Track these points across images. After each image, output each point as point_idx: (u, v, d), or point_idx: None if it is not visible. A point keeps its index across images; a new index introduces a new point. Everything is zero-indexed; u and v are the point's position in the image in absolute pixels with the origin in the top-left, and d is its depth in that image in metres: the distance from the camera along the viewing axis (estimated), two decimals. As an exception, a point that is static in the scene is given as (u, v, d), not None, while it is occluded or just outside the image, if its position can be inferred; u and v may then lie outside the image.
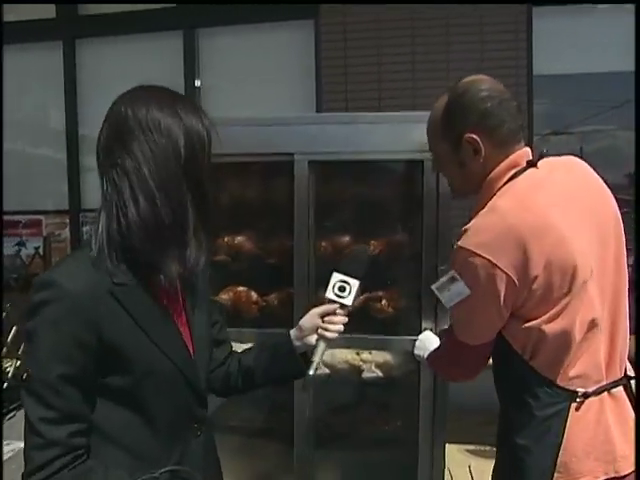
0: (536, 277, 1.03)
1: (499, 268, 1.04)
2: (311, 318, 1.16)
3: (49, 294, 0.82)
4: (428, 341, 1.64)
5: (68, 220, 3.80)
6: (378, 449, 2.15)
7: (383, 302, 1.93)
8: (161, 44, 3.68)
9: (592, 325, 1.07)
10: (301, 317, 1.18)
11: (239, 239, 2.00)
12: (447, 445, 1.87)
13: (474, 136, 1.12)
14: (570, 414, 1.06)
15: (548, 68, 3.32)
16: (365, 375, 1.94)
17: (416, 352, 1.66)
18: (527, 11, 3.28)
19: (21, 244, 3.61)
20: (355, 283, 1.15)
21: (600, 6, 3.40)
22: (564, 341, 1.07)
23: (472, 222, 1.10)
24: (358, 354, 1.97)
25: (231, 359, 1.18)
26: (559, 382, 1.08)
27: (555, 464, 1.06)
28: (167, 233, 0.88)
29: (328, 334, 1.13)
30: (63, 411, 0.83)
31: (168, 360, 0.91)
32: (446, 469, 1.84)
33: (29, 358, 0.84)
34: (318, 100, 3.50)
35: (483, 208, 1.11)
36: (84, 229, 3.75)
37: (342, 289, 1.14)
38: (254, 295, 2.00)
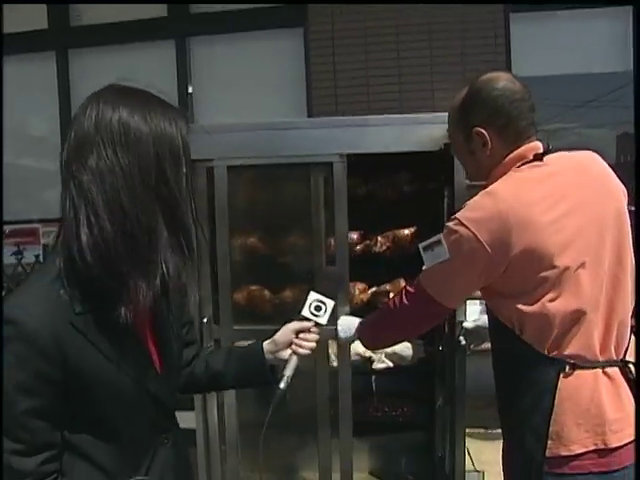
0: (513, 258, 1.15)
1: (480, 242, 1.16)
2: (285, 333, 1.18)
3: (10, 331, 0.80)
4: (349, 320, 1.65)
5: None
6: (395, 435, 2.28)
7: (390, 295, 2.05)
8: (154, 53, 3.76)
9: (579, 313, 1.15)
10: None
11: (252, 240, 2.10)
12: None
13: (483, 131, 1.24)
14: (560, 385, 1.15)
15: (519, 70, 3.51)
16: (376, 366, 2.06)
17: (341, 335, 1.63)
18: (504, 16, 3.46)
19: (18, 253, 3.63)
20: (331, 303, 1.22)
21: (560, 12, 3.60)
22: (544, 323, 1.16)
23: (472, 199, 1.24)
24: (369, 345, 2.09)
25: (197, 360, 1.17)
26: (548, 354, 1.17)
27: (548, 431, 1.15)
28: (128, 260, 0.82)
29: (301, 351, 1.17)
30: (32, 443, 0.83)
31: (135, 382, 0.89)
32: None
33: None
34: (309, 105, 3.62)
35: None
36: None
37: (318, 308, 1.21)
38: (267, 293, 2.10)
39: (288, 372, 1.15)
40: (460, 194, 1.78)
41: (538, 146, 1.27)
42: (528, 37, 3.53)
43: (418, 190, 2.08)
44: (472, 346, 1.80)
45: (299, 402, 1.96)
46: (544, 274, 1.15)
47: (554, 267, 1.15)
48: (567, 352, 1.17)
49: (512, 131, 1.24)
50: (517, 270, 1.17)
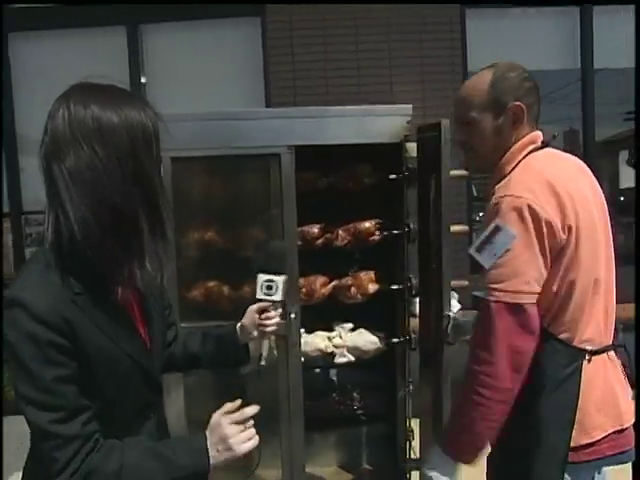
0: (570, 228, 1.14)
1: (543, 209, 1.12)
2: (249, 315, 1.25)
3: (19, 313, 0.85)
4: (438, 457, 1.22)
5: (10, 224, 3.65)
6: (358, 426, 2.28)
7: (352, 289, 2.04)
8: (104, 40, 3.60)
9: (597, 284, 1.19)
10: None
11: (209, 234, 2.04)
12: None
13: (521, 105, 1.25)
14: (583, 373, 1.16)
15: (474, 65, 3.55)
16: (338, 360, 2.05)
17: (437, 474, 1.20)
18: (460, 12, 3.50)
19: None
20: (280, 279, 1.24)
21: (513, 9, 3.67)
22: (579, 297, 1.16)
23: (507, 179, 1.20)
24: (330, 339, 2.07)
25: (176, 342, 1.22)
26: (575, 343, 1.17)
27: (573, 421, 1.15)
28: (114, 246, 0.88)
29: (267, 329, 1.23)
30: (68, 408, 0.87)
31: (129, 358, 0.94)
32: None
33: (19, 371, 0.86)
34: (267, 97, 3.56)
35: (504, 177, 1.23)
36: (28, 231, 3.61)
37: (269, 287, 1.24)
38: (226, 289, 2.05)
39: (264, 351, 1.26)
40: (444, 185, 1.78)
41: (540, 135, 1.31)
42: (483, 33, 3.59)
43: (379, 182, 2.07)
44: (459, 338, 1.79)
45: (260, 397, 1.94)
46: (568, 250, 1.16)
47: (580, 236, 1.16)
48: (585, 337, 1.19)
49: (535, 113, 1.29)
50: (570, 240, 1.16)
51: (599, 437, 1.17)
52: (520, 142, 1.27)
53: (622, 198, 4.37)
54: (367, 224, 2.02)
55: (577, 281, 1.16)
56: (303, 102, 3.37)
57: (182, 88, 3.58)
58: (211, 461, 0.93)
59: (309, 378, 2.16)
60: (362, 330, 2.08)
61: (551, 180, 1.17)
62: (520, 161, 1.26)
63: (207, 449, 0.93)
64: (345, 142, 1.89)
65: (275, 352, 1.92)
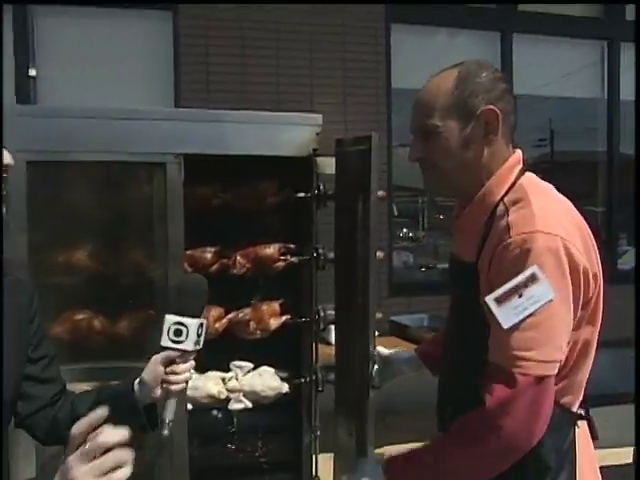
0: (595, 276, 0.95)
1: (579, 253, 0.91)
2: (151, 369, 1.01)
3: None
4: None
5: None
6: (261, 476, 2.00)
7: (251, 324, 1.77)
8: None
9: (594, 339, 1.02)
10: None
11: (79, 257, 1.69)
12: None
13: (496, 110, 1.00)
14: (577, 438, 1.01)
15: (397, 81, 3.43)
16: (232, 407, 1.76)
17: None
18: (385, 25, 3.36)
19: None
20: (192, 323, 0.99)
21: (438, 28, 3.61)
22: (590, 358, 0.99)
23: (527, 209, 0.93)
24: (224, 381, 1.78)
25: (62, 403, 1.03)
26: (574, 408, 1.01)
27: None
28: None
29: (173, 387, 1.00)
30: None
31: None
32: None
33: None
34: (177, 95, 3.23)
35: (496, 205, 0.99)
36: None
37: (178, 333, 0.99)
38: (98, 323, 1.70)
39: (168, 415, 1.00)
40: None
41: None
42: (407, 48, 3.47)
43: (285, 201, 1.81)
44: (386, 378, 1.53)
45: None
46: (591, 303, 0.98)
47: (597, 295, 0.98)
48: (581, 399, 1.02)
49: (512, 123, 1.04)
50: (595, 287, 0.97)
51: None
52: (511, 159, 1.04)
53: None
54: (270, 249, 1.75)
55: (592, 340, 0.98)
56: (217, 108, 3.08)
57: (77, 81, 3.18)
58: None
59: (202, 420, 1.88)
60: (264, 370, 1.81)
61: (573, 213, 0.97)
62: (513, 185, 1.01)
63: None
64: (243, 152, 1.63)
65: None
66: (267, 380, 1.76)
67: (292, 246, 1.81)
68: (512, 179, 1.02)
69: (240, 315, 1.76)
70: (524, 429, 0.90)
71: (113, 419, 0.98)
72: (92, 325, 1.68)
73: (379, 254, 1.78)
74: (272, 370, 1.79)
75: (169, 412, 1.00)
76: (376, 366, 1.53)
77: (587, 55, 3.85)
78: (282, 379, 1.81)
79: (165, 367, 1.01)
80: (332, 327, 1.86)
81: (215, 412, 2.00)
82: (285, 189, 1.81)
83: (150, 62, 3.33)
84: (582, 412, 1.01)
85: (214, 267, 1.74)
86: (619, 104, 3.86)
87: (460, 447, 0.94)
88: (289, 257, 1.80)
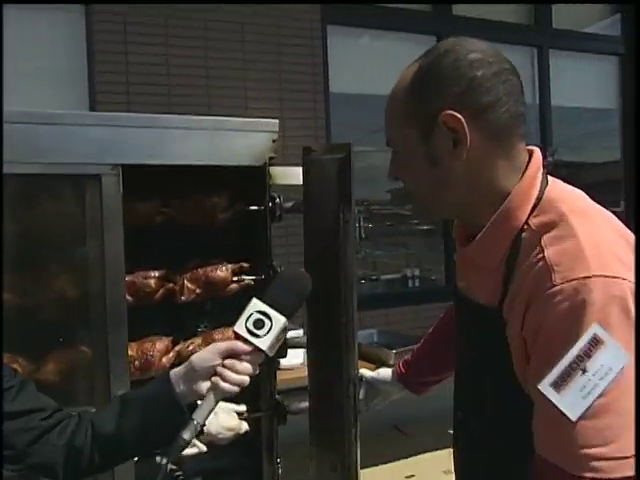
0: None
1: (631, 288, 0.68)
2: (209, 356, 0.85)
3: None
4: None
5: None
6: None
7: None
8: None
9: None
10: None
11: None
12: None
13: (455, 114, 0.76)
14: None
15: (336, 85, 3.35)
16: (185, 452, 1.54)
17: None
18: (322, 26, 3.26)
19: None
20: (280, 320, 0.85)
21: (374, 31, 3.58)
22: None
23: (570, 240, 0.70)
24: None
25: (77, 428, 0.83)
26: None
27: None
28: None
29: (223, 384, 0.83)
30: None
31: None
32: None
33: None
34: (92, 97, 2.92)
35: (519, 231, 0.76)
36: None
37: (259, 324, 0.84)
38: (19, 368, 1.42)
39: (199, 416, 0.82)
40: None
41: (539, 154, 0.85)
42: (344, 51, 3.39)
43: (236, 216, 1.63)
44: (373, 402, 1.37)
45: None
46: None
47: None
48: None
49: (502, 118, 0.78)
50: None
51: None
52: (531, 168, 0.80)
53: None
54: (222, 271, 1.56)
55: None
56: (139, 110, 2.81)
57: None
58: None
59: (146, 466, 1.64)
60: (220, 408, 1.60)
61: (622, 230, 0.76)
62: (538, 200, 0.78)
63: None
64: (190, 162, 1.43)
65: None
66: (224, 419, 1.55)
67: (246, 265, 1.64)
68: (536, 192, 0.79)
69: (190, 347, 1.55)
70: None
71: (148, 429, 0.83)
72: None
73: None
74: (230, 406, 1.58)
75: (202, 412, 0.82)
76: (362, 390, 1.40)
77: (519, 61, 3.99)
78: (239, 414, 1.62)
79: (224, 359, 0.84)
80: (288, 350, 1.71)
81: (158, 458, 1.77)
82: (236, 203, 1.63)
83: (59, 59, 2.98)
84: None
85: (158, 294, 1.52)
86: (550, 110, 3.98)
87: None
88: (243, 277, 1.62)
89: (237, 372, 0.84)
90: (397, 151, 0.86)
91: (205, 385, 0.85)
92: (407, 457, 2.88)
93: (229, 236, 1.68)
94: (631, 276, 0.69)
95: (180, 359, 1.55)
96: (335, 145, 1.42)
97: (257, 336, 0.84)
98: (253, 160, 1.52)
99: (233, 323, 1.67)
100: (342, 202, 1.37)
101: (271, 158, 1.55)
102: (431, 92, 0.78)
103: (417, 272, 3.72)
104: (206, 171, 1.48)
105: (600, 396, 0.64)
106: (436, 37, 3.49)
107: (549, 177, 0.83)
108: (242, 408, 1.61)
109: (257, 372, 0.88)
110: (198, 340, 1.59)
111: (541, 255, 0.72)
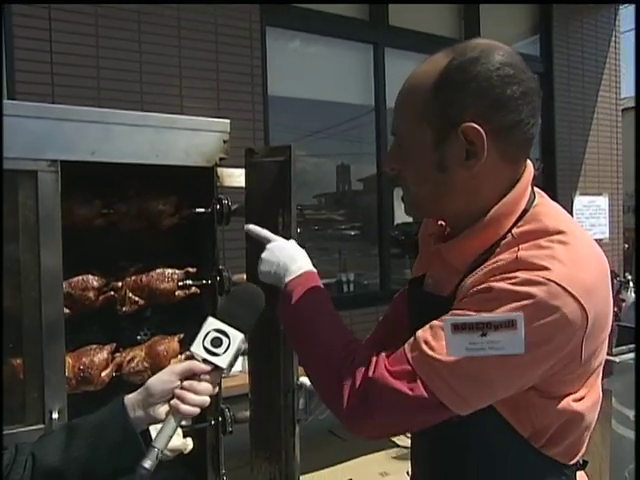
0: (601, 333, 0.77)
1: (586, 320, 0.72)
2: (166, 378, 0.81)
3: None
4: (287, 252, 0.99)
5: None
6: None
7: (135, 361, 1.46)
8: None
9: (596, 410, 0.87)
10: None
11: None
12: None
13: (479, 129, 0.75)
14: None
15: (274, 88, 3.32)
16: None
17: (263, 269, 0.98)
18: (261, 27, 3.22)
19: None
20: (237, 337, 0.82)
21: (313, 36, 3.59)
22: (591, 418, 0.82)
23: (542, 251, 0.73)
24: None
25: (13, 462, 0.75)
26: (570, 462, 0.84)
27: None
28: None
29: (183, 407, 0.78)
30: None
31: None
32: None
33: None
34: (10, 88, 2.68)
35: (489, 234, 0.79)
36: None
37: (217, 343, 0.81)
38: None
39: (160, 442, 0.76)
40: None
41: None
42: (282, 54, 3.36)
43: (182, 220, 1.56)
44: (315, 411, 1.33)
45: None
46: (599, 359, 0.81)
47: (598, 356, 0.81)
48: (579, 456, 0.86)
49: (520, 140, 0.78)
50: (599, 346, 0.79)
51: None
52: (520, 184, 0.81)
53: (396, 232, 4.65)
54: (167, 281, 1.47)
55: (589, 399, 0.85)
56: (66, 102, 2.62)
57: None
58: None
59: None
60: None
61: (604, 262, 0.79)
62: (523, 213, 0.80)
63: None
64: (136, 161, 1.35)
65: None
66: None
67: (192, 270, 1.56)
68: (524, 205, 0.81)
69: (132, 362, 1.44)
70: (373, 417, 0.76)
71: (97, 458, 0.76)
72: None
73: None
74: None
75: (162, 438, 0.76)
76: (302, 399, 1.37)
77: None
78: (182, 427, 1.53)
79: (182, 381, 0.80)
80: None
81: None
82: (183, 205, 1.55)
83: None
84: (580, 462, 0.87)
85: (98, 303, 1.41)
86: (386, 110, 3.68)
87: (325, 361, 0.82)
88: (188, 283, 1.55)
89: (197, 393, 0.80)
90: (401, 143, 0.82)
91: (164, 409, 0.80)
92: (344, 461, 2.90)
93: (174, 239, 1.60)
94: (593, 309, 0.72)
95: (120, 372, 1.45)
96: (276, 147, 1.40)
97: (215, 354, 0.82)
98: (204, 160, 1.46)
99: (175, 330, 1.63)
100: (282, 205, 1.35)
101: (221, 159, 1.50)
102: (457, 98, 0.76)
103: (352, 277, 3.76)
104: (152, 171, 1.40)
105: (476, 358, 0.71)
106: (373, 45, 3.57)
107: (537, 192, 0.85)
108: (187, 422, 1.54)
109: (216, 391, 0.85)
110: (140, 353, 1.49)
111: (514, 255, 0.75)
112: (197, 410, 0.80)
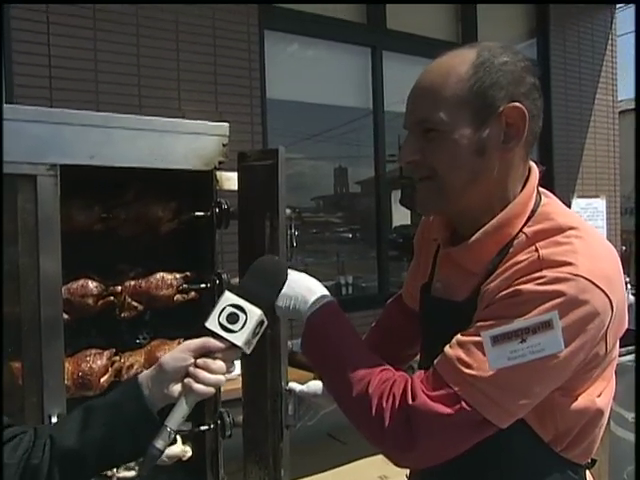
0: (622, 320, 0.80)
1: (612, 310, 0.74)
2: (180, 355, 0.78)
3: None
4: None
5: None
6: None
7: (135, 368, 1.45)
8: None
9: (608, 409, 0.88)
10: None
11: None
12: None
13: (522, 108, 0.78)
14: None
15: (272, 91, 3.33)
16: (120, 475, 1.43)
17: (280, 304, 0.92)
18: (259, 30, 3.22)
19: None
20: (255, 313, 0.79)
21: (311, 39, 3.60)
22: (607, 414, 0.83)
23: (565, 246, 0.75)
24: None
25: (32, 445, 0.75)
26: (584, 462, 0.85)
27: None
28: None
29: (197, 386, 0.76)
30: None
31: None
32: None
33: None
34: (8, 92, 2.68)
35: (502, 235, 0.80)
36: None
37: (233, 318, 0.78)
38: None
39: (171, 422, 0.75)
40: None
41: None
42: (281, 57, 3.37)
43: (182, 224, 1.56)
44: (305, 416, 1.32)
45: None
46: (616, 350, 0.83)
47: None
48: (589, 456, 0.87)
49: (536, 130, 0.84)
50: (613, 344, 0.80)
51: None
52: (531, 180, 0.85)
53: (394, 235, 4.65)
54: (166, 287, 1.47)
55: (606, 396, 0.87)
56: (67, 107, 2.62)
57: None
58: None
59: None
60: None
61: (615, 255, 0.81)
62: (532, 214, 0.82)
63: None
64: (136, 165, 1.34)
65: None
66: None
67: (191, 274, 1.56)
68: (532, 205, 0.84)
69: (131, 368, 1.43)
70: (419, 444, 0.75)
71: (114, 440, 0.75)
72: None
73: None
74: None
75: (175, 418, 0.75)
76: (290, 405, 1.37)
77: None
78: (181, 431, 1.53)
79: (196, 359, 0.78)
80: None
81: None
82: (182, 209, 1.55)
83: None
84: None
85: (97, 308, 1.41)
86: (384, 113, 3.71)
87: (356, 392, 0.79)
88: (188, 287, 1.54)
89: (211, 372, 0.78)
90: (435, 134, 0.82)
91: (177, 388, 0.78)
92: (343, 464, 2.90)
93: (173, 243, 1.60)
94: (615, 298, 0.75)
95: (119, 377, 1.45)
96: (266, 151, 1.40)
97: (231, 331, 0.78)
98: (203, 164, 1.46)
99: (174, 335, 1.63)
100: (270, 208, 1.35)
101: (220, 162, 1.50)
102: (497, 83, 0.79)
103: (350, 279, 3.77)
104: (151, 175, 1.40)
105: (515, 367, 0.72)
106: (371, 49, 3.58)
107: (542, 191, 0.88)
108: (186, 427, 1.53)
109: (232, 371, 0.82)
110: (140, 359, 1.48)
111: (535, 255, 0.76)
112: (211, 390, 0.78)
